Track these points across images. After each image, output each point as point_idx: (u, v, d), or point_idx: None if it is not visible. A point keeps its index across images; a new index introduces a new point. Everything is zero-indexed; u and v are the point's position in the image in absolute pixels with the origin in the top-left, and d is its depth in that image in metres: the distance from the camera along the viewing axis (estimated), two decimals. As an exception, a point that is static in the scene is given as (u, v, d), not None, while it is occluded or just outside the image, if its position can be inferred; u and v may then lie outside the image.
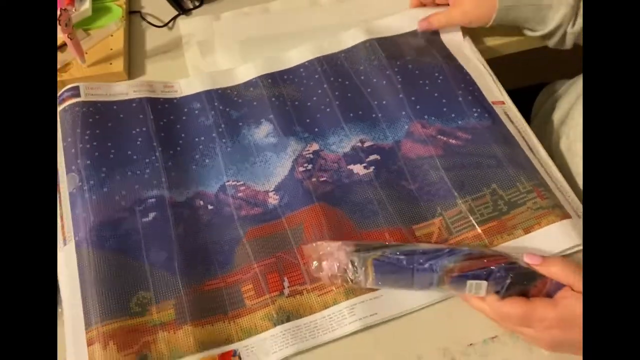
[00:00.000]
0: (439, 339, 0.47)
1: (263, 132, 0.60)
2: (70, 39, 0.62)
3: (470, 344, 0.47)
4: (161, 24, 0.73)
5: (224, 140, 0.59)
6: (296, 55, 0.66)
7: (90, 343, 0.46)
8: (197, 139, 0.59)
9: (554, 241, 0.50)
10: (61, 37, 0.62)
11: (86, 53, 0.67)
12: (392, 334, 0.47)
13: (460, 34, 0.67)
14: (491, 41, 0.70)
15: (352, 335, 0.47)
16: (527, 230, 0.51)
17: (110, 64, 0.67)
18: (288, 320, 0.48)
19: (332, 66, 0.64)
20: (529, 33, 0.65)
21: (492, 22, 0.63)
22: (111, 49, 0.68)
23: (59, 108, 0.60)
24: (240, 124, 0.60)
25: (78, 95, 0.60)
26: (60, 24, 0.59)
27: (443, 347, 0.47)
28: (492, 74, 0.64)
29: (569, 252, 0.50)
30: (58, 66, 0.66)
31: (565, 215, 0.52)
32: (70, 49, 0.63)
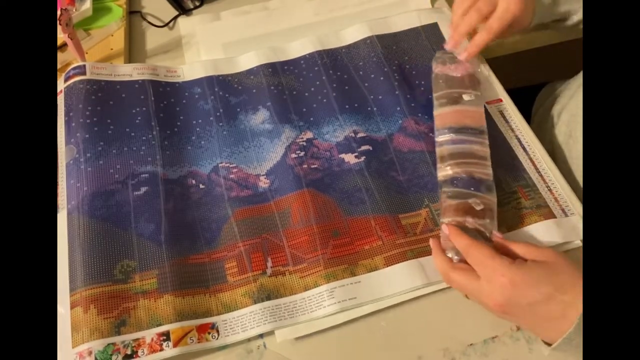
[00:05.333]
0: (439, 339, 0.47)
1: (259, 118, 0.61)
2: (71, 39, 0.62)
3: (470, 344, 0.47)
4: (161, 24, 0.73)
5: (220, 124, 0.60)
6: (298, 47, 0.67)
7: (73, 306, 0.47)
8: (194, 122, 0.61)
9: (535, 239, 0.51)
10: (61, 37, 0.62)
11: (86, 53, 0.67)
12: (392, 334, 0.48)
13: None
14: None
15: (351, 335, 0.48)
16: (509, 228, 0.52)
17: (111, 63, 0.67)
18: (268, 298, 0.48)
19: (332, 60, 0.66)
20: (565, 23, 0.62)
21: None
22: (112, 49, 0.69)
23: (65, 85, 0.62)
24: (238, 109, 0.62)
25: (84, 73, 0.61)
26: (60, 24, 0.59)
27: (443, 347, 0.47)
28: (490, 71, 0.65)
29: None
30: (58, 66, 0.66)
31: (549, 215, 0.52)
32: (70, 49, 0.64)
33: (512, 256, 0.44)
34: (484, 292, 0.43)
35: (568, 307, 0.40)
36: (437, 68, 0.62)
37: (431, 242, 0.50)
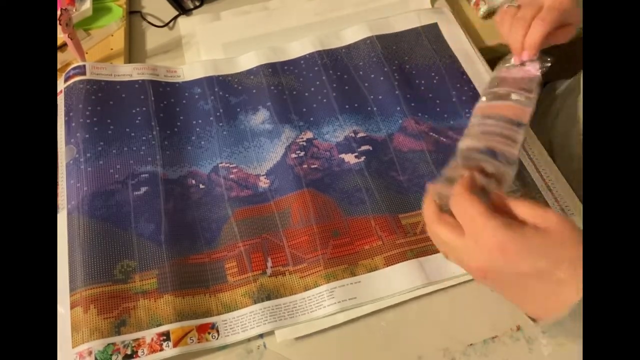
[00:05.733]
0: (439, 339, 0.47)
1: (259, 118, 0.61)
2: (71, 39, 0.62)
3: (470, 344, 0.47)
4: (161, 24, 0.74)
5: (220, 124, 0.60)
6: (298, 47, 0.67)
7: (73, 306, 0.47)
8: (194, 122, 0.61)
9: None
10: (61, 37, 0.62)
11: (86, 53, 0.67)
12: (392, 334, 0.48)
13: (458, 27, 0.69)
14: (491, 41, 0.71)
15: (352, 335, 0.48)
16: None
17: (111, 63, 0.67)
18: (268, 298, 0.48)
19: (332, 60, 0.66)
20: None
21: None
22: (112, 49, 0.69)
23: (65, 85, 0.62)
24: (238, 109, 0.62)
25: (84, 73, 0.62)
26: (60, 24, 0.59)
27: (443, 347, 0.47)
28: (489, 70, 0.65)
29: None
30: (58, 66, 0.66)
31: None
32: (70, 49, 0.64)
33: (510, 216, 0.38)
34: (467, 251, 0.37)
35: (562, 285, 0.34)
36: (498, 71, 0.57)
37: (429, 186, 0.44)
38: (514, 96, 0.53)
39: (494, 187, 0.44)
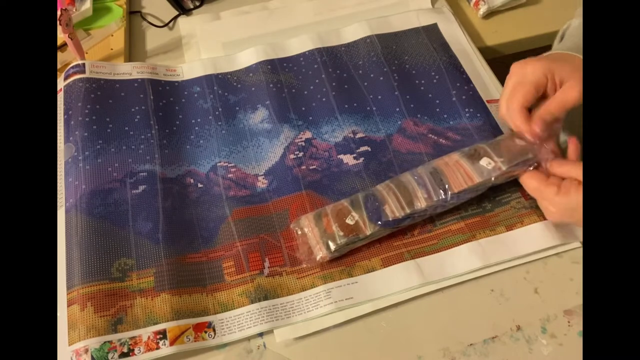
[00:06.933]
0: (439, 339, 0.47)
1: (258, 117, 0.61)
2: (71, 39, 0.62)
3: (470, 344, 0.46)
4: (161, 24, 0.74)
5: (219, 123, 0.60)
6: (297, 44, 0.67)
7: (70, 304, 0.47)
8: (193, 121, 0.61)
9: (533, 239, 0.51)
10: (61, 37, 0.63)
11: (86, 53, 0.68)
12: (392, 334, 0.47)
13: (458, 27, 0.69)
14: (491, 41, 0.71)
15: (351, 335, 0.47)
16: (509, 228, 0.52)
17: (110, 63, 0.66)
18: (265, 298, 0.48)
19: (331, 58, 0.66)
20: None
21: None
22: (112, 49, 0.69)
23: (64, 83, 0.61)
24: (237, 108, 0.62)
25: (83, 71, 0.62)
26: (60, 24, 0.60)
27: (443, 347, 0.46)
28: (489, 70, 0.65)
29: (547, 252, 0.51)
30: (58, 66, 0.66)
31: None
32: (70, 49, 0.64)
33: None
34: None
35: None
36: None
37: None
38: (483, 161, 0.51)
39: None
